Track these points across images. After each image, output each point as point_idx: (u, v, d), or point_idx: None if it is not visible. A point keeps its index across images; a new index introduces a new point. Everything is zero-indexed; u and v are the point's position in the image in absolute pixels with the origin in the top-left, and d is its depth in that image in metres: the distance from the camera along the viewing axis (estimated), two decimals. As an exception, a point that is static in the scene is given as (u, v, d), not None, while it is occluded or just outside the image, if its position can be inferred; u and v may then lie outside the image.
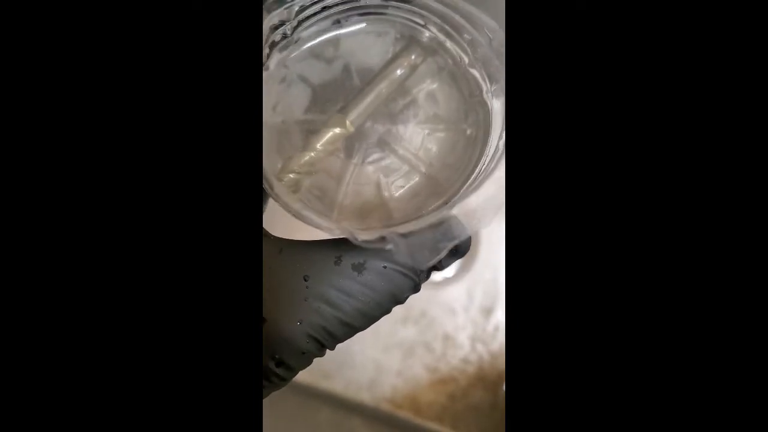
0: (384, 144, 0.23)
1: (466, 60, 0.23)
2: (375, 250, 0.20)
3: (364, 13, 0.23)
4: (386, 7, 0.23)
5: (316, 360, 0.23)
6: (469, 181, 0.22)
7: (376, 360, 0.57)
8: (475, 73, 0.23)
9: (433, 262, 0.20)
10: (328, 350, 0.23)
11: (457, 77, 0.24)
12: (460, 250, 0.23)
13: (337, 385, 0.56)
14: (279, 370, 0.21)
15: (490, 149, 0.22)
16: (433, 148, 0.24)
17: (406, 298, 0.23)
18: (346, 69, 0.24)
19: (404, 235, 0.20)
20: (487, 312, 0.59)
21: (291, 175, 0.22)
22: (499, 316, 0.58)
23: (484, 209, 0.20)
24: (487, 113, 0.23)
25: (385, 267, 0.21)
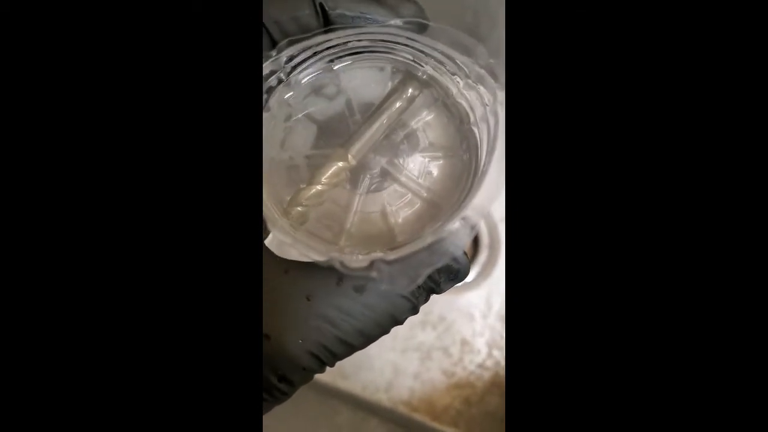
0: (387, 174, 0.25)
1: (454, 91, 0.25)
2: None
3: (354, 53, 0.24)
4: (374, 49, 0.24)
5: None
6: (462, 203, 0.23)
7: (394, 362, 0.58)
8: (463, 103, 0.25)
9: (412, 287, 0.22)
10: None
11: (449, 107, 0.25)
12: (460, 274, 0.24)
13: (355, 386, 0.57)
14: (281, 385, 0.23)
15: (479, 171, 0.24)
16: (433, 174, 0.25)
17: (405, 319, 0.24)
18: (348, 104, 0.25)
19: (389, 262, 0.21)
20: (505, 318, 0.59)
21: (299, 208, 0.23)
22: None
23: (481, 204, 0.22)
24: (475, 139, 0.25)
25: (384, 289, 0.23)
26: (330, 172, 0.23)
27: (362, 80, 0.25)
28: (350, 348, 0.23)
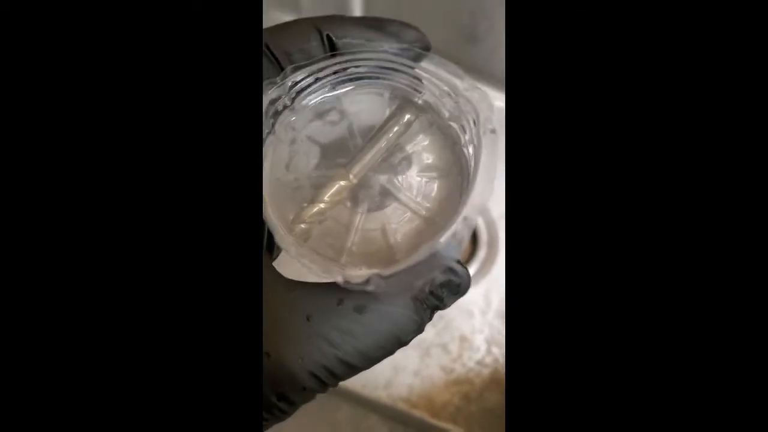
0: (387, 192, 0.26)
1: (446, 115, 0.25)
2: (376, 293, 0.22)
3: (356, 78, 0.25)
4: (373, 74, 0.25)
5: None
6: (458, 219, 0.24)
7: (393, 359, 0.57)
8: (454, 125, 0.25)
9: (409, 295, 0.23)
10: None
11: (443, 129, 0.26)
12: (461, 288, 0.24)
13: (354, 383, 0.57)
14: (281, 404, 0.23)
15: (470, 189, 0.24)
16: (431, 193, 0.26)
17: (410, 339, 0.24)
18: (350, 128, 0.26)
19: (385, 277, 0.21)
20: (504, 316, 0.59)
21: (302, 225, 0.24)
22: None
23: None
24: (466, 159, 0.25)
25: (386, 309, 0.23)
26: (332, 191, 0.24)
27: (363, 106, 0.26)
28: (351, 368, 0.23)
